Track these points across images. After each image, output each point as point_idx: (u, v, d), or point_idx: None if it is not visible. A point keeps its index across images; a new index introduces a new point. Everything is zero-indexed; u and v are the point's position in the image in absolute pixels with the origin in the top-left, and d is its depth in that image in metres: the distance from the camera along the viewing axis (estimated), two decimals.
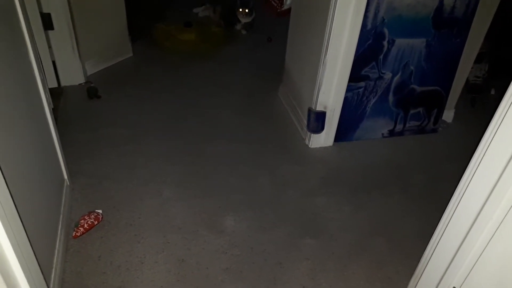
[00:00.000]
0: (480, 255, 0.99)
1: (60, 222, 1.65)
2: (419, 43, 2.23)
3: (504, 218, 0.93)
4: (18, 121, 1.29)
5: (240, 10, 3.64)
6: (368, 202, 2.07)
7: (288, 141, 2.47)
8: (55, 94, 2.58)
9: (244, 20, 3.71)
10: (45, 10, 2.42)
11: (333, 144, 2.43)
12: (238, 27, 3.81)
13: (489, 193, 0.94)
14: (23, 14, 1.45)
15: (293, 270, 1.69)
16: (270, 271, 1.68)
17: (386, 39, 2.16)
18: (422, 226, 1.91)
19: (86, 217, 1.75)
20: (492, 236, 0.94)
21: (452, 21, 2.20)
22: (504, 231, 0.93)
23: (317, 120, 2.28)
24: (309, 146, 2.40)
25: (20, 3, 1.44)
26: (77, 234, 1.71)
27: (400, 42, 2.19)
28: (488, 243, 0.95)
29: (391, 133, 2.54)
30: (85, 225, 1.73)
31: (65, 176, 1.89)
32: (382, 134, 2.53)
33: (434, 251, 1.26)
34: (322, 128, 2.32)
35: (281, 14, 4.08)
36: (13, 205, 0.98)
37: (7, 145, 1.11)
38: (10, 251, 0.94)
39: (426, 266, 1.32)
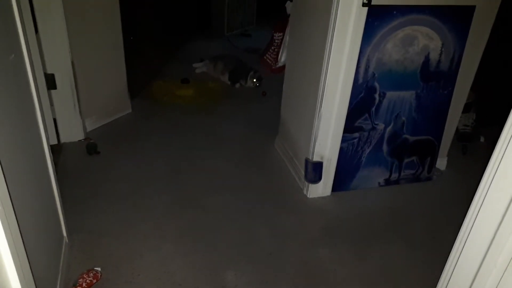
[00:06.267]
0: None
1: (59, 281, 1.61)
2: (409, 95, 2.33)
3: (507, 267, 0.94)
4: (23, 178, 1.31)
5: (254, 80, 3.97)
6: (370, 251, 2.06)
7: (286, 192, 2.48)
8: (55, 150, 2.59)
9: (251, 85, 4.01)
10: (49, 71, 2.51)
11: (331, 194, 2.45)
12: (237, 85, 4.00)
13: (491, 240, 0.96)
14: (32, 75, 1.52)
15: None
16: None
17: (378, 92, 2.26)
18: (426, 274, 1.89)
19: (85, 276, 1.71)
20: (497, 285, 0.95)
21: (439, 75, 2.32)
22: (510, 280, 0.94)
23: (315, 170, 2.32)
24: (308, 196, 2.42)
25: (30, 64, 1.50)
26: None
27: (391, 94, 2.29)
28: None
29: (387, 182, 2.58)
30: (84, 284, 1.69)
31: (64, 234, 1.87)
32: (379, 183, 2.56)
33: None
34: (320, 178, 2.35)
35: (276, 71, 4.28)
36: (28, 264, 0.98)
37: (15, 201, 1.12)
38: None
39: None
